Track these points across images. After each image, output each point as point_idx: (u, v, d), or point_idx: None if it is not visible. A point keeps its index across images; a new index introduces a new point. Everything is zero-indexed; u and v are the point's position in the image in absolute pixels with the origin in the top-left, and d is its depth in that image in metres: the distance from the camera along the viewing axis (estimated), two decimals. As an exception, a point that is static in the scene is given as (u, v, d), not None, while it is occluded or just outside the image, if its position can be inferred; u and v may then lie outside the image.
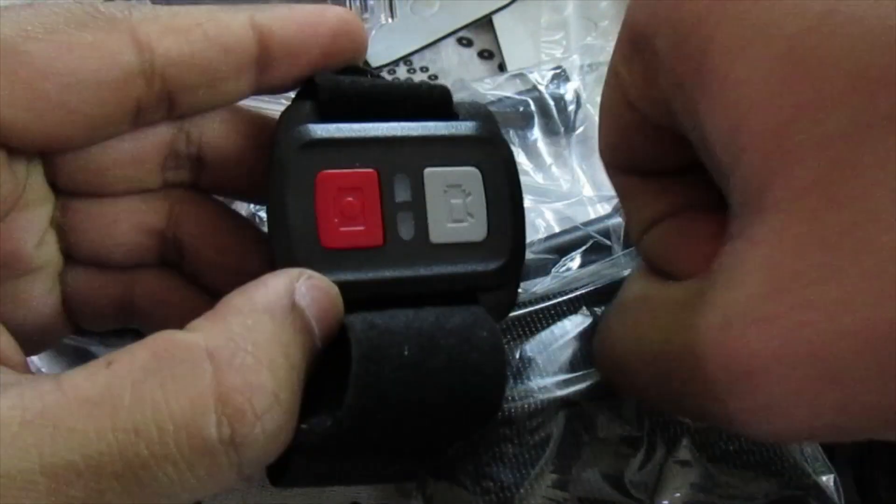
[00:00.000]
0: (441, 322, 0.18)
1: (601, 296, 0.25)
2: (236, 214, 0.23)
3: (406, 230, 0.19)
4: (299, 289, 0.16)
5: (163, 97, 0.18)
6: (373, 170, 0.19)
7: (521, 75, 0.37)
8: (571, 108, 0.37)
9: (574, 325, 0.24)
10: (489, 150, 0.20)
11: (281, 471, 0.17)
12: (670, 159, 0.20)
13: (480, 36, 0.41)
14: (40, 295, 0.20)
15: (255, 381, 0.15)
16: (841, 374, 0.14)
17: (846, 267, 0.14)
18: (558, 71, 0.38)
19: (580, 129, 0.37)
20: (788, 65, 0.15)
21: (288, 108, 0.19)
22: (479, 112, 0.21)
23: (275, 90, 0.20)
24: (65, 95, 0.17)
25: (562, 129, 0.37)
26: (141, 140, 0.20)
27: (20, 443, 0.13)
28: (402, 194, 0.19)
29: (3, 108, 0.16)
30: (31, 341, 0.19)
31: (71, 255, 0.21)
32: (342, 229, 0.18)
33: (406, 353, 0.17)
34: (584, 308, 0.25)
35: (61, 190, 0.20)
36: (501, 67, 0.40)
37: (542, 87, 0.37)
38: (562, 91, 0.37)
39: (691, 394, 0.16)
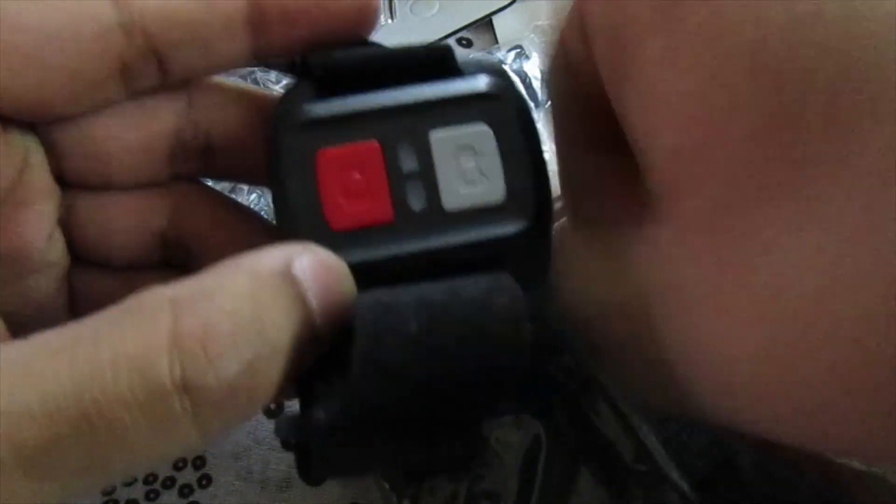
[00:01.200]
0: (455, 291, 0.16)
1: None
2: (243, 208, 0.22)
3: (417, 201, 0.18)
4: (299, 260, 0.16)
5: (149, 55, 0.18)
6: (375, 141, 0.18)
7: (484, 56, 0.39)
8: (537, 83, 0.38)
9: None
10: (499, 105, 0.19)
11: (308, 467, 0.17)
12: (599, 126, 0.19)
13: (480, 37, 0.41)
14: (47, 294, 0.20)
15: (213, 325, 0.14)
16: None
17: (732, 290, 0.15)
18: (518, 50, 0.39)
19: (549, 104, 0.38)
20: (712, 88, 0.15)
21: (284, 91, 0.19)
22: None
23: (275, 56, 0.19)
24: (40, 51, 0.16)
25: (532, 105, 0.37)
26: (147, 127, 0.19)
27: None
28: (408, 163, 0.18)
29: None
30: (27, 320, 0.19)
31: (78, 255, 0.20)
32: (349, 208, 0.18)
33: (414, 326, 0.15)
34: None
35: (67, 184, 0.20)
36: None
37: (506, 66, 0.38)
38: (524, 68, 0.38)
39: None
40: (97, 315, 0.15)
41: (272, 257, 0.16)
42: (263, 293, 0.15)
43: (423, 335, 0.15)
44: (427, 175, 0.18)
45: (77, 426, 0.13)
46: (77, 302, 0.21)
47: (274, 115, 0.18)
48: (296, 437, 0.17)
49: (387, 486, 0.26)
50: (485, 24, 0.41)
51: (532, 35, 0.40)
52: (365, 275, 0.17)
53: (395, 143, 0.18)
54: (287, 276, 0.15)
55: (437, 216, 0.18)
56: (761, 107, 0.14)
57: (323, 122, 0.18)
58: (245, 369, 0.14)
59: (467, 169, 0.18)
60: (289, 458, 0.30)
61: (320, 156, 0.18)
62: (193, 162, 0.21)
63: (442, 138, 0.18)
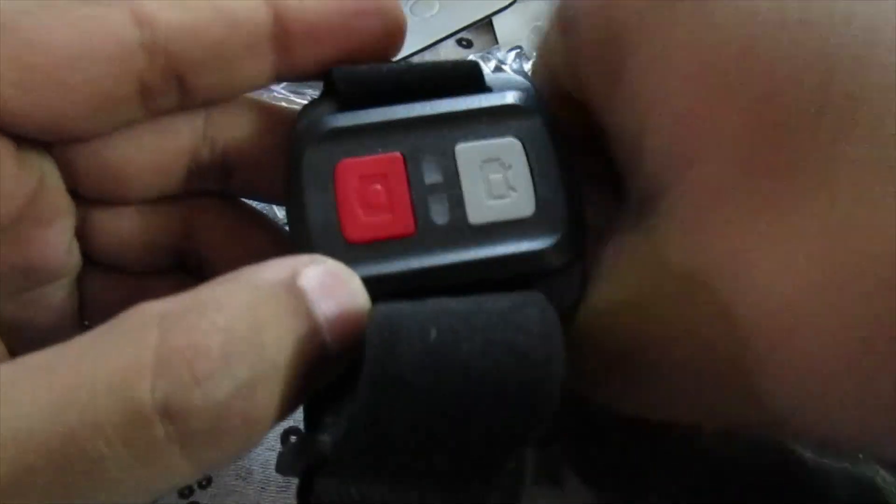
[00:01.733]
0: (479, 303, 0.15)
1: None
2: (261, 219, 0.22)
3: (440, 214, 0.17)
4: (307, 273, 0.15)
5: (170, 76, 0.17)
6: (398, 153, 0.17)
7: (485, 56, 0.39)
8: None
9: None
10: (528, 119, 0.18)
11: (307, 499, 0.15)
12: (576, 129, 0.19)
13: (481, 37, 0.41)
14: (60, 300, 0.20)
15: (202, 343, 0.13)
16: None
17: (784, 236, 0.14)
18: (519, 50, 0.39)
19: None
20: (701, 93, 0.15)
21: (306, 105, 0.18)
22: (514, 83, 0.19)
23: (300, 76, 0.19)
24: (60, 71, 0.16)
25: None
26: (163, 147, 0.19)
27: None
28: (432, 176, 0.17)
29: None
30: (42, 343, 0.19)
31: (91, 260, 0.20)
32: (367, 220, 0.17)
33: (433, 335, 0.14)
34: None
35: (82, 198, 0.19)
36: (500, 69, 0.40)
37: (506, 67, 0.38)
38: (525, 69, 0.39)
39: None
40: (87, 333, 0.14)
41: (277, 269, 0.15)
42: (264, 307, 0.14)
43: (442, 347, 0.14)
44: (452, 188, 0.17)
45: (50, 456, 0.12)
46: (91, 306, 0.21)
47: (294, 125, 0.18)
48: (298, 465, 0.15)
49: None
50: (485, 24, 0.41)
51: (533, 35, 0.40)
52: (382, 290, 0.16)
53: (420, 155, 0.17)
54: (292, 289, 0.14)
55: (462, 230, 0.17)
56: (753, 92, 0.14)
57: (344, 133, 0.17)
58: (239, 390, 0.13)
59: (495, 182, 0.17)
60: (289, 458, 0.30)
61: (339, 166, 0.17)
62: (210, 180, 0.20)
63: (468, 150, 0.18)
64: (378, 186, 0.17)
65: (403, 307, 0.15)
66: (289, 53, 0.18)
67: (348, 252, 0.17)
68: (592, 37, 0.17)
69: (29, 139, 0.17)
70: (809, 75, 0.14)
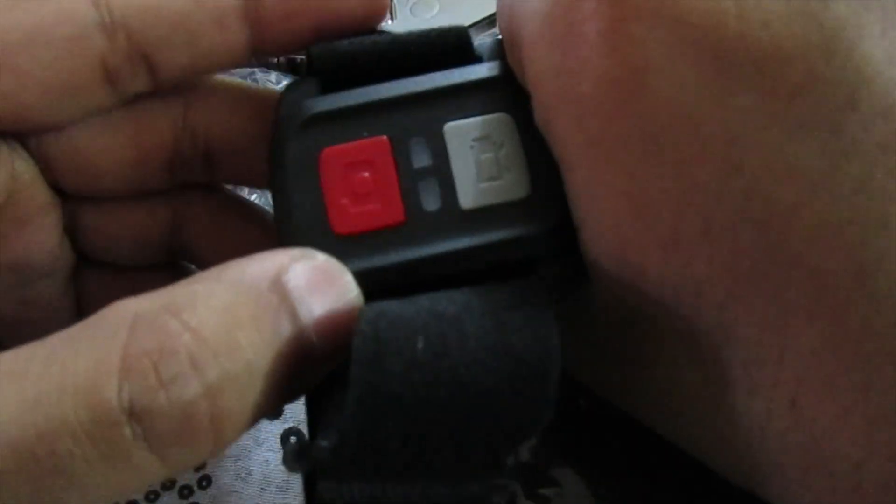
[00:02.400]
0: (472, 303, 0.14)
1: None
2: (250, 209, 0.22)
3: (431, 200, 0.16)
4: (294, 269, 0.14)
5: (134, 56, 0.17)
6: (383, 137, 0.17)
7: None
8: None
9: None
10: (519, 90, 0.17)
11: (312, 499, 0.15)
12: None
13: (481, 38, 0.41)
14: (55, 297, 0.20)
15: (168, 345, 0.13)
16: None
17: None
18: (499, 37, 0.38)
19: None
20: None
21: (286, 87, 0.17)
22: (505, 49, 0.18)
23: (276, 52, 0.18)
24: (13, 56, 0.15)
25: None
26: (140, 138, 0.19)
27: None
28: (420, 159, 0.17)
29: None
30: (37, 333, 0.19)
31: (85, 256, 0.20)
32: (355, 211, 0.16)
33: (421, 345, 0.14)
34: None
35: (67, 195, 0.19)
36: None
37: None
38: None
39: None
40: (60, 332, 0.14)
41: (263, 264, 0.14)
42: (242, 307, 0.14)
43: (430, 355, 0.14)
44: (441, 171, 0.17)
45: (19, 458, 0.12)
46: (87, 303, 0.21)
47: (275, 112, 0.17)
48: (299, 465, 0.15)
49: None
50: (486, 25, 0.41)
51: None
52: (375, 284, 0.15)
53: (406, 137, 0.17)
54: (276, 287, 0.14)
55: (454, 216, 0.16)
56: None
57: (327, 118, 0.17)
58: (207, 392, 0.13)
59: (486, 162, 0.17)
60: (289, 459, 0.30)
61: (324, 155, 0.16)
62: (195, 170, 0.20)
63: (457, 129, 0.17)
64: (365, 174, 0.16)
65: (392, 311, 0.14)
66: (263, 28, 0.17)
67: (338, 245, 0.16)
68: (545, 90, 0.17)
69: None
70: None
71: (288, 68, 0.32)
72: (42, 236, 0.19)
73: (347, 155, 0.17)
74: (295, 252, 0.15)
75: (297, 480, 0.29)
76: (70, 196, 0.19)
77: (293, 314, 0.14)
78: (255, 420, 0.14)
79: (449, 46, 0.18)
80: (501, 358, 0.14)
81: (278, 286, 0.14)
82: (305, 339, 0.14)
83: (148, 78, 0.17)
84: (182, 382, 0.13)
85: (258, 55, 0.18)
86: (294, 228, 0.16)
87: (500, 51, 0.18)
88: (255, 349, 0.14)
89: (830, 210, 0.13)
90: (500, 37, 0.19)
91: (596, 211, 0.15)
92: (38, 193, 0.18)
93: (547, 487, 0.24)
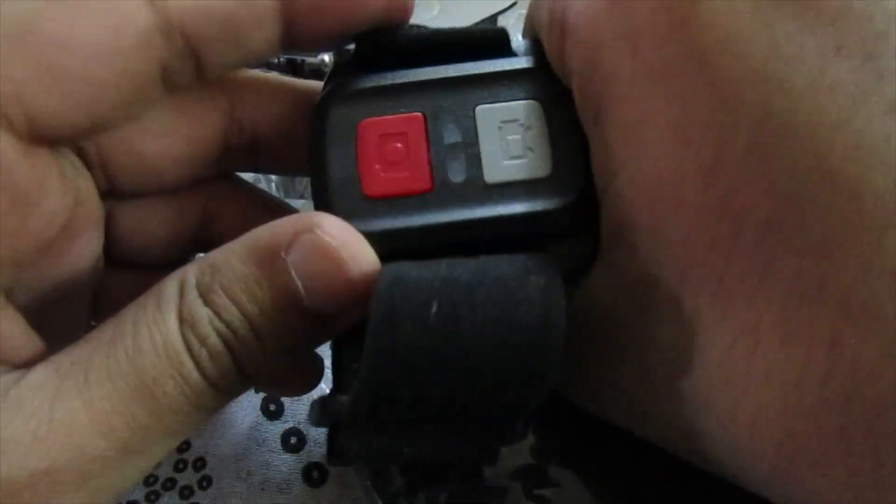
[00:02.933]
0: (485, 271, 0.15)
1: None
2: (274, 204, 0.22)
3: (457, 172, 0.17)
4: (297, 243, 0.16)
5: (186, 54, 0.17)
6: (418, 113, 0.18)
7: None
8: None
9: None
10: (550, 82, 0.18)
11: (333, 448, 0.17)
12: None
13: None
14: (77, 300, 0.20)
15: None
16: None
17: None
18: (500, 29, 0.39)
19: None
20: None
21: (334, 68, 0.19)
22: (539, 48, 0.19)
23: (305, 47, 0.19)
24: (86, 66, 0.16)
25: None
26: (194, 137, 0.19)
27: (61, 392, 0.15)
28: (451, 136, 0.18)
29: (27, 94, 0.15)
30: (57, 336, 0.19)
31: (109, 258, 0.21)
32: (385, 176, 0.17)
33: (434, 311, 0.14)
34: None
35: (113, 194, 0.20)
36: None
37: None
38: None
39: None
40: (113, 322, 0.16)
41: (271, 233, 0.16)
42: (245, 281, 0.16)
43: (442, 322, 0.14)
44: (470, 147, 0.18)
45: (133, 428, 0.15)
46: (101, 296, 0.21)
47: (323, 88, 0.18)
48: (322, 419, 0.16)
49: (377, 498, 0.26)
50: (486, 25, 0.41)
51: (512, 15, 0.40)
52: (397, 245, 0.17)
53: (440, 115, 0.18)
54: (277, 266, 0.16)
55: (478, 188, 0.17)
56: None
57: (368, 93, 0.18)
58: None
59: (513, 142, 0.18)
60: (289, 460, 0.30)
61: (361, 125, 0.18)
62: (240, 161, 0.21)
63: (488, 111, 0.18)
64: (398, 144, 0.18)
65: (408, 275, 0.15)
66: (294, 24, 0.18)
67: (365, 205, 0.17)
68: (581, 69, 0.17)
69: (63, 146, 0.17)
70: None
71: (288, 68, 0.32)
72: (87, 249, 0.19)
73: (383, 126, 0.18)
74: (305, 221, 0.16)
75: (297, 481, 0.29)
76: (106, 199, 0.20)
77: (290, 289, 0.16)
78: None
79: (488, 42, 0.19)
80: (509, 328, 0.15)
81: (278, 264, 0.16)
82: (299, 305, 0.16)
83: (195, 73, 0.18)
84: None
85: (286, 48, 0.19)
86: (328, 186, 0.17)
87: (533, 48, 0.19)
88: (256, 316, 0.16)
89: (869, 128, 0.13)
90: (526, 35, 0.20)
91: (641, 144, 0.16)
92: (91, 206, 0.19)
93: (546, 488, 0.24)
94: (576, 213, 0.17)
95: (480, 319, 0.15)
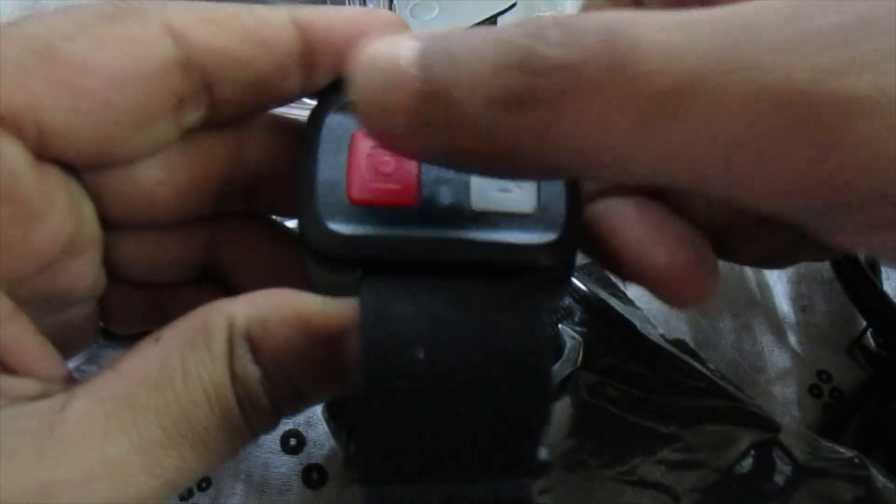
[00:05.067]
0: (469, 302, 0.15)
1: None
2: (279, 228, 0.22)
3: (444, 195, 0.18)
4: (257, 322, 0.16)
5: (201, 91, 0.17)
6: None
7: None
8: None
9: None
10: None
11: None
12: None
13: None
14: (83, 318, 0.20)
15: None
16: None
17: None
18: None
19: None
20: None
21: (337, 79, 0.18)
22: None
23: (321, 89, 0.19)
24: (105, 89, 0.16)
25: None
26: (195, 171, 0.19)
27: (111, 430, 0.15)
28: None
29: (46, 113, 0.15)
30: (65, 353, 0.19)
31: (112, 276, 0.20)
32: (373, 185, 0.17)
33: (422, 356, 0.14)
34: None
35: (110, 224, 0.19)
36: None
37: None
38: None
39: None
40: (174, 334, 0.16)
41: (323, 311, 0.16)
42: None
43: (432, 366, 0.14)
44: (461, 176, 0.18)
45: (195, 446, 0.15)
46: (106, 313, 0.21)
47: (320, 93, 0.18)
48: (352, 474, 0.17)
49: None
50: (486, 26, 0.41)
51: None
52: (376, 252, 0.16)
53: None
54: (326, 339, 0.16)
55: (462, 211, 0.18)
56: None
57: None
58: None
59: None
60: (289, 461, 0.30)
61: (357, 134, 0.18)
62: (238, 199, 0.20)
63: None
64: (389, 159, 0.18)
65: (391, 314, 0.15)
66: (314, 71, 0.18)
67: (348, 209, 0.17)
68: None
69: (70, 166, 0.17)
70: None
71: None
72: (86, 269, 0.19)
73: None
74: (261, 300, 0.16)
75: (296, 482, 0.29)
76: (109, 226, 0.19)
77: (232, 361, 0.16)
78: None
79: None
80: (499, 361, 0.15)
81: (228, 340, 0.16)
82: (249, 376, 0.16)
83: (207, 111, 0.18)
84: None
85: (306, 94, 0.19)
86: (314, 184, 0.17)
87: None
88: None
89: None
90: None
91: None
92: (92, 228, 0.19)
93: None
94: (554, 253, 0.17)
95: (470, 357, 0.15)
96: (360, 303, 0.15)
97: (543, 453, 0.17)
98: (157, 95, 0.17)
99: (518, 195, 0.18)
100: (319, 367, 0.16)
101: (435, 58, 0.14)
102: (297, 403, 0.17)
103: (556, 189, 0.18)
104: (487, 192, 0.18)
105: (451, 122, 0.14)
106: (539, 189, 0.18)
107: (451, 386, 0.14)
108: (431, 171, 0.18)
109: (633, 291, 0.32)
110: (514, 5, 0.41)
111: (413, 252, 0.17)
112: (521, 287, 0.16)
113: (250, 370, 0.16)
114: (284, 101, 0.19)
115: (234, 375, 0.16)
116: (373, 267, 0.16)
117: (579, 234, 0.18)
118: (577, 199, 0.18)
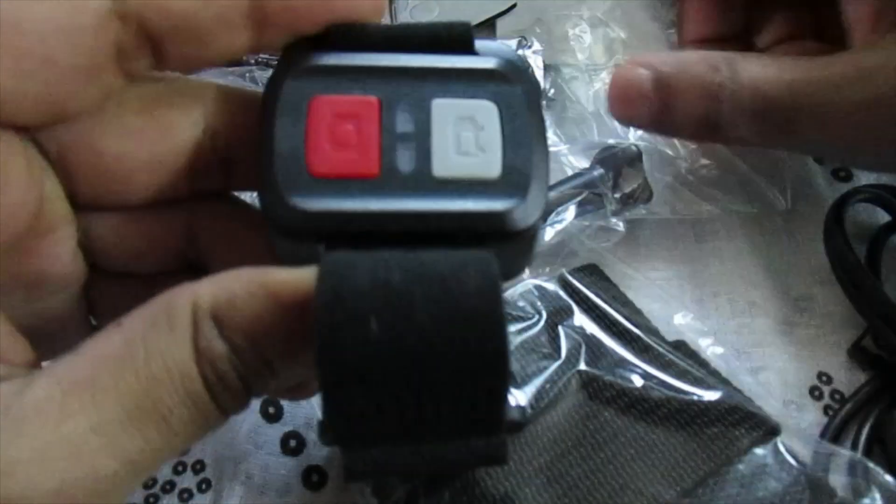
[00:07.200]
0: (422, 269, 0.15)
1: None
2: (259, 215, 0.22)
3: (406, 162, 0.17)
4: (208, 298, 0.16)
5: (143, 41, 0.17)
6: (374, 98, 0.17)
7: (503, 43, 0.39)
8: (539, 72, 0.39)
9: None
10: (509, 87, 0.18)
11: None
12: None
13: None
14: (68, 308, 0.20)
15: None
16: None
17: None
18: (520, 39, 0.40)
19: (551, 92, 0.39)
20: None
21: (293, 42, 0.18)
22: (502, 51, 0.19)
23: (274, 50, 0.19)
24: (46, 49, 0.16)
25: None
26: (162, 144, 0.19)
27: (68, 410, 0.15)
28: (404, 125, 0.17)
29: None
30: (53, 348, 0.19)
31: (96, 266, 0.20)
32: (333, 156, 0.17)
33: (374, 325, 0.15)
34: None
35: (83, 207, 0.19)
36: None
37: None
38: (527, 56, 0.39)
39: None
40: (136, 317, 0.16)
41: (294, 278, 0.16)
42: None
43: (383, 334, 0.15)
44: (421, 139, 0.17)
45: (157, 424, 0.15)
46: (99, 308, 0.21)
47: (278, 60, 0.18)
48: (323, 439, 0.17)
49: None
50: (486, 27, 0.41)
51: (536, 28, 0.40)
52: (337, 226, 0.17)
53: (396, 103, 0.18)
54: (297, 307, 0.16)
55: (425, 180, 0.17)
56: None
57: (325, 71, 0.18)
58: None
59: (465, 139, 0.18)
60: (288, 462, 0.30)
61: (315, 101, 0.17)
62: (213, 176, 0.20)
63: (444, 105, 0.18)
64: (349, 126, 0.17)
65: (346, 284, 0.15)
66: (265, 30, 0.18)
67: (309, 183, 0.17)
68: None
69: (23, 131, 0.17)
70: None
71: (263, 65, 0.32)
72: (58, 250, 0.19)
73: (337, 105, 0.17)
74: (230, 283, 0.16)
75: (296, 484, 0.29)
76: (83, 208, 0.19)
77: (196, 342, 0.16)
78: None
79: (452, 37, 0.18)
80: (452, 325, 0.15)
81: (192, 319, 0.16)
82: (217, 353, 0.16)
83: (153, 61, 0.18)
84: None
85: (256, 52, 0.18)
86: (273, 160, 0.17)
87: (497, 51, 0.19)
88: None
89: None
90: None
91: None
92: (58, 206, 0.19)
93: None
94: (517, 219, 0.17)
95: (420, 325, 0.15)
96: (317, 277, 0.15)
97: (516, 413, 0.18)
98: (98, 48, 0.17)
99: (482, 159, 0.17)
100: (288, 338, 0.16)
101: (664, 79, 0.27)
102: (269, 379, 0.17)
103: (523, 156, 0.18)
104: (450, 158, 0.17)
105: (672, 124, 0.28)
106: (504, 154, 0.18)
107: (405, 353, 0.15)
108: (392, 137, 0.17)
109: (633, 292, 0.32)
110: (514, 6, 0.41)
111: (375, 225, 0.17)
112: (481, 254, 0.16)
113: (217, 347, 0.16)
114: (233, 57, 0.18)
115: (198, 353, 0.15)
116: (335, 239, 0.16)
117: (546, 196, 0.18)
118: (545, 163, 0.18)
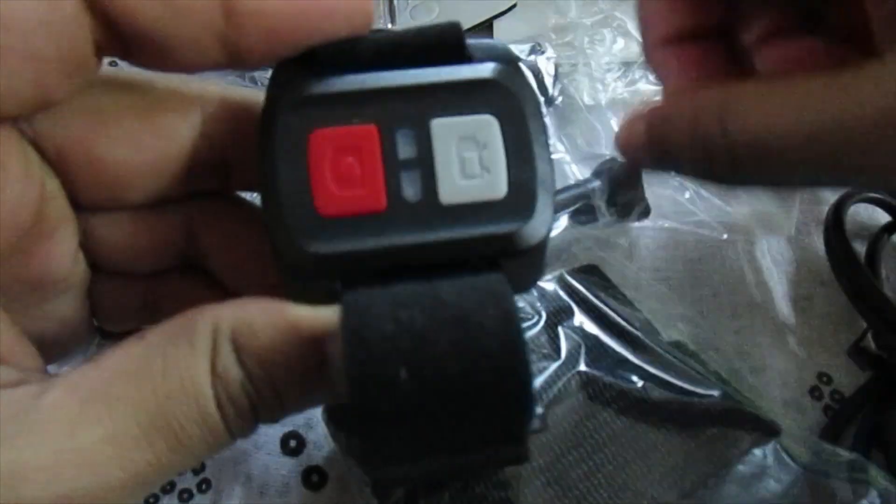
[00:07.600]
0: (441, 306, 0.16)
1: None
2: (257, 213, 0.22)
3: (412, 191, 0.17)
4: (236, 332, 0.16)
5: (116, 38, 0.17)
6: (372, 125, 0.17)
7: (496, 41, 0.39)
8: (549, 79, 0.39)
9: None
10: (507, 95, 0.18)
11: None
12: None
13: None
14: (72, 310, 0.20)
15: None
16: None
17: None
18: (534, 45, 0.40)
19: (559, 100, 0.39)
20: None
21: (279, 65, 0.18)
22: (497, 53, 0.18)
23: (256, 67, 0.18)
24: (29, 46, 0.16)
25: (542, 100, 0.38)
26: (160, 146, 0.19)
27: (84, 419, 0.15)
28: (406, 150, 0.17)
29: None
30: (59, 353, 0.19)
31: (97, 267, 0.20)
32: (340, 194, 0.17)
33: (404, 375, 0.15)
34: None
35: (82, 208, 0.19)
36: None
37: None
38: (539, 63, 0.39)
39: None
40: (158, 332, 0.16)
41: (314, 317, 0.16)
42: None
43: (415, 384, 0.15)
44: (425, 164, 0.17)
45: (169, 441, 0.16)
46: (103, 310, 0.21)
47: (268, 89, 0.18)
48: (352, 461, 0.17)
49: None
50: (485, 28, 0.41)
51: (550, 32, 0.40)
52: (352, 266, 0.17)
53: (394, 127, 0.17)
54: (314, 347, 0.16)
55: (433, 209, 0.17)
56: None
57: (319, 100, 0.17)
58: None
59: (468, 160, 0.17)
60: (288, 463, 0.30)
61: (313, 137, 0.17)
62: (211, 178, 0.20)
63: (443, 126, 0.17)
64: (351, 159, 0.17)
65: (369, 331, 0.15)
66: (241, 49, 0.17)
67: (319, 225, 0.17)
68: None
69: (13, 123, 0.17)
70: None
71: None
72: (60, 250, 0.19)
73: (336, 139, 0.17)
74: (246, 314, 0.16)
75: (296, 484, 0.29)
76: (83, 209, 0.19)
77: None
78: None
79: (444, 42, 0.18)
80: (479, 367, 0.15)
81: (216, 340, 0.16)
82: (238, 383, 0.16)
83: (125, 54, 0.17)
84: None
85: (235, 65, 0.18)
86: (280, 204, 0.17)
87: (491, 52, 0.18)
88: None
89: None
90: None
91: None
92: (59, 206, 0.19)
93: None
94: (527, 237, 0.17)
95: (447, 369, 0.15)
96: (340, 321, 0.15)
97: (537, 423, 0.18)
98: (78, 39, 0.16)
99: (487, 180, 0.17)
100: (302, 373, 0.16)
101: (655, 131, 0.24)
102: (276, 410, 0.17)
103: (527, 170, 0.17)
104: (455, 182, 0.17)
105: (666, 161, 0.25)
106: (509, 172, 0.17)
107: (435, 398, 0.15)
108: (395, 165, 0.17)
109: (633, 292, 0.32)
110: (514, 6, 0.41)
111: (389, 260, 0.17)
112: (496, 281, 0.16)
113: (232, 370, 0.16)
114: (207, 68, 0.18)
115: (215, 373, 0.16)
116: (350, 278, 0.16)
117: (553, 209, 0.18)
118: (549, 170, 0.18)
